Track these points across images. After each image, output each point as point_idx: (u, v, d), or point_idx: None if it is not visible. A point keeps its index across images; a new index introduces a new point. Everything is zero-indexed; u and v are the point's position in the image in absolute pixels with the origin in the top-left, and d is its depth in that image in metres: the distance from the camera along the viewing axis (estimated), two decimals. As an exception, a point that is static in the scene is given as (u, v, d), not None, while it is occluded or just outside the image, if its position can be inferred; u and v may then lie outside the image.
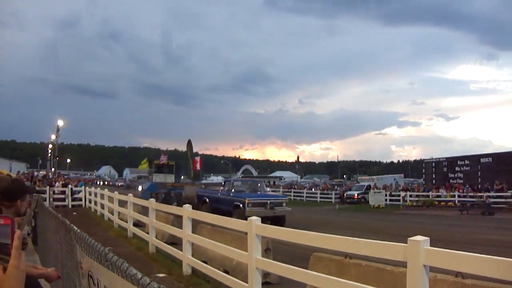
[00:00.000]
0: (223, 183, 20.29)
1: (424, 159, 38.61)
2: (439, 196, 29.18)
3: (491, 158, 29.30)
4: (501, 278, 2.60)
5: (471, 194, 27.33)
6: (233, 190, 17.26)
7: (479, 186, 28.42)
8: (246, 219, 5.22)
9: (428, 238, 2.92)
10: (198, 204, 18.24)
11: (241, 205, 15.62)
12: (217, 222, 6.67)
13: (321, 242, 4.01)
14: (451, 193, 28.68)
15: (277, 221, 14.51)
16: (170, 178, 29.30)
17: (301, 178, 74.25)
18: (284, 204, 16.68)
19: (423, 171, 35.87)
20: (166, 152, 64.28)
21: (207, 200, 18.53)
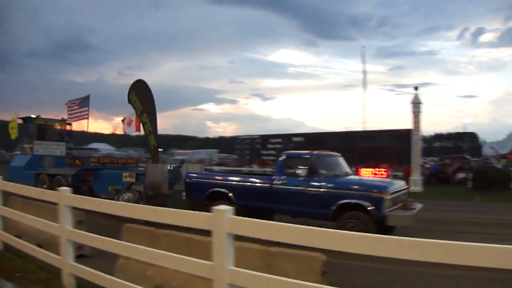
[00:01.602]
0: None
1: (239, 136, 40.82)
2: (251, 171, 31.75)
3: (303, 138, 32.92)
4: (299, 243, 2.90)
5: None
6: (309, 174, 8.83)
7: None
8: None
9: (232, 208, 3.11)
10: (193, 198, 10.22)
11: (369, 205, 7.92)
12: (30, 194, 6.16)
13: (130, 212, 4.04)
14: (263, 169, 31.64)
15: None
16: (60, 149, 17.30)
17: (117, 151, 71.33)
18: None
19: (237, 147, 38.09)
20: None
21: (230, 194, 9.57)
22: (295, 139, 33.01)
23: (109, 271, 4.36)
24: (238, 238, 3.11)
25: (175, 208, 4.02)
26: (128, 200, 11.02)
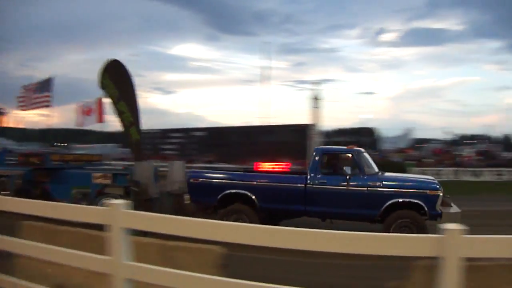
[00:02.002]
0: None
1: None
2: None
3: (204, 132, 33.05)
4: (197, 237, 2.93)
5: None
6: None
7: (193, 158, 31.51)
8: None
9: (129, 202, 3.08)
10: (202, 202, 9.00)
11: (424, 204, 7.63)
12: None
13: (31, 209, 3.81)
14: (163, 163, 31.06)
15: None
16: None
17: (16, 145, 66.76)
18: None
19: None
20: None
21: (252, 196, 8.40)
22: (196, 133, 32.90)
23: (9, 271, 4.09)
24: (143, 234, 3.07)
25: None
26: None
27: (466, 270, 2.89)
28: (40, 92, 15.61)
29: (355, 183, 7.94)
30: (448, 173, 25.34)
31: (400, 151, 33.62)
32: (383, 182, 7.98)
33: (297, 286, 2.74)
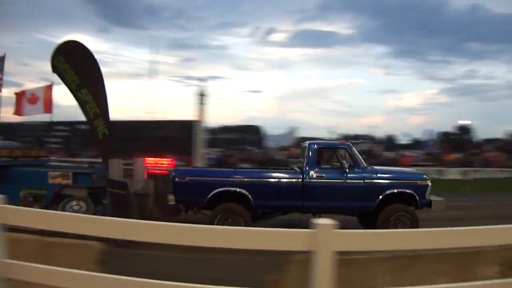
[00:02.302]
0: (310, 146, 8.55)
1: (23, 122, 39.57)
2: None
3: (89, 125, 32.04)
4: (76, 232, 2.82)
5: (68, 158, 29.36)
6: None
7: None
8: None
9: (4, 196, 2.91)
10: (188, 202, 8.40)
11: (416, 194, 8.17)
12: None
13: None
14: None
15: None
16: None
17: None
18: None
19: (21, 134, 36.70)
20: None
21: (247, 194, 8.09)
22: (81, 126, 31.84)
23: None
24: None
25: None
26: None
27: (343, 263, 3.04)
28: None
29: (352, 176, 8.08)
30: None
31: (284, 149, 34.41)
32: (378, 174, 8.23)
33: (179, 282, 2.73)
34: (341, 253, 2.70)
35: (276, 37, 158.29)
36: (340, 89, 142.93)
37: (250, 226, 7.39)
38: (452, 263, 3.38)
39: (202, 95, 20.34)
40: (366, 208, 8.14)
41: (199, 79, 20.52)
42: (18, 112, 12.07)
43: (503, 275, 3.42)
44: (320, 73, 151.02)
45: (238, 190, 8.00)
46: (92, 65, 8.90)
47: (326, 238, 2.58)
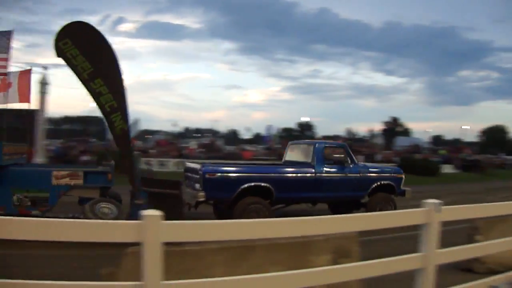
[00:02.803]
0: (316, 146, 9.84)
1: None
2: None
3: None
4: None
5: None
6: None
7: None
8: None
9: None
10: (218, 197, 8.88)
11: (395, 185, 10.39)
12: None
13: None
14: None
15: None
16: None
17: None
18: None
19: None
20: None
21: (271, 188, 8.94)
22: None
23: None
24: None
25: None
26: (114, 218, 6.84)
27: (176, 254, 3.11)
28: None
29: (351, 170, 9.70)
30: (172, 164, 25.08)
31: None
32: (369, 169, 10.12)
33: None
34: (174, 244, 2.76)
35: (124, 27, 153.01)
36: (186, 82, 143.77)
37: (271, 217, 7.96)
38: (285, 253, 3.68)
39: (44, 83, 18.66)
40: (361, 196, 9.90)
41: (42, 66, 18.73)
42: None
43: (335, 262, 3.80)
44: (166, 66, 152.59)
45: (263, 184, 8.82)
46: (107, 51, 7.64)
47: (154, 229, 2.60)
